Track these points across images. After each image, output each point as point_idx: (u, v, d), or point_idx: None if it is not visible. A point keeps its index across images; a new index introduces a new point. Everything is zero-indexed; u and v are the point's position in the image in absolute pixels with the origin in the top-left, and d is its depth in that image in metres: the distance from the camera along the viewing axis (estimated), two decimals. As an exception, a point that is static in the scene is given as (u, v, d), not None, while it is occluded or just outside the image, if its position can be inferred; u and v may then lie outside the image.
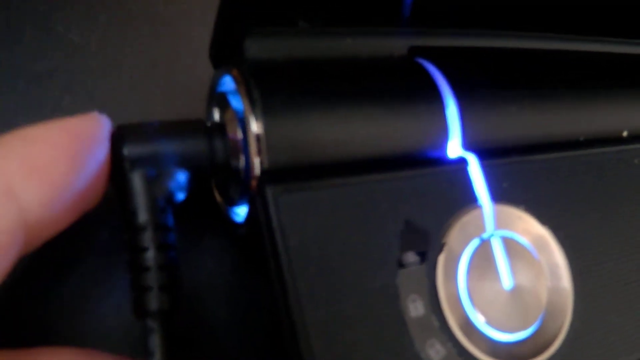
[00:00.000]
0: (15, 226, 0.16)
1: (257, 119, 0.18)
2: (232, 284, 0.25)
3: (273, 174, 0.18)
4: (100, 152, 0.18)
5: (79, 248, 0.23)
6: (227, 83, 0.21)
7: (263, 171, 0.18)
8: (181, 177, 0.19)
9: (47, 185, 0.17)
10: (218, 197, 0.22)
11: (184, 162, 0.19)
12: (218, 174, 0.20)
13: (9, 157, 0.17)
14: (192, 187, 0.20)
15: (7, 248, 0.16)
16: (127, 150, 0.19)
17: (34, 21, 0.26)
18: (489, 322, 0.19)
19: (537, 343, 0.20)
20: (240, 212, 0.21)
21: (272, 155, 0.19)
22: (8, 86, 0.25)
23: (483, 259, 0.20)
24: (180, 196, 0.19)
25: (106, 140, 0.18)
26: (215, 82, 0.21)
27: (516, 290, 0.20)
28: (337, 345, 0.17)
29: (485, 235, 0.20)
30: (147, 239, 0.19)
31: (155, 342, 0.18)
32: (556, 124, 0.23)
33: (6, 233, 0.16)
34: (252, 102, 0.19)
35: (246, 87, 0.19)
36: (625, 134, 0.25)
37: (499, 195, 0.21)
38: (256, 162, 0.18)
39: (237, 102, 0.19)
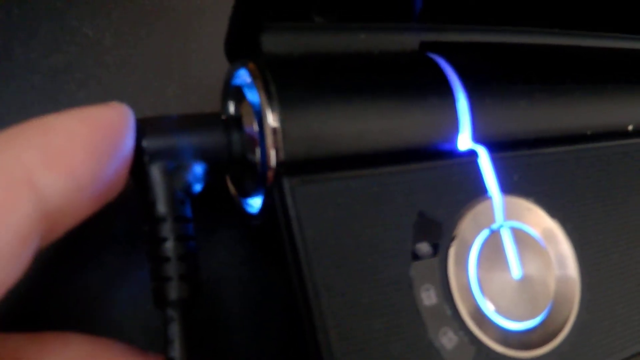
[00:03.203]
0: (36, 217, 0.16)
1: (273, 112, 0.19)
2: (244, 276, 0.25)
3: (289, 166, 0.19)
4: (123, 142, 0.18)
5: (96, 239, 0.23)
6: (243, 76, 0.21)
7: (279, 163, 0.19)
8: (199, 169, 0.20)
9: (67, 175, 0.17)
10: (232, 189, 0.23)
11: (202, 155, 0.20)
12: (233, 166, 0.21)
13: (27, 147, 0.16)
14: (209, 178, 0.20)
15: (28, 240, 0.16)
16: (146, 143, 0.19)
17: (49, 16, 0.26)
18: (499, 311, 0.20)
19: (545, 332, 0.20)
20: (254, 203, 0.22)
21: (288, 148, 0.19)
22: (23, 80, 0.26)
23: (493, 249, 0.20)
24: (198, 188, 0.20)
25: (130, 131, 0.18)
26: (230, 76, 0.22)
27: (525, 280, 0.20)
28: (354, 333, 0.18)
29: (495, 226, 0.21)
30: (167, 229, 0.19)
31: (175, 331, 0.19)
32: (564, 118, 0.24)
33: (27, 225, 0.16)
34: (268, 95, 0.19)
35: (263, 80, 0.19)
36: (630, 128, 0.25)
37: (509, 187, 0.21)
38: (273, 154, 0.19)
39: (253, 95, 0.20)
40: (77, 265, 0.23)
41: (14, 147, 0.16)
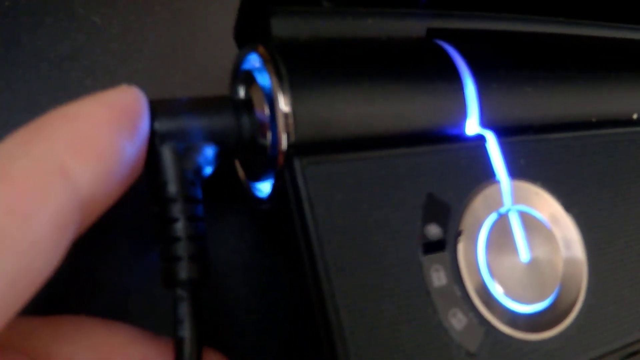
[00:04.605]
0: (72, 206, 0.16)
1: (284, 95, 0.19)
2: (252, 262, 0.25)
3: (299, 148, 0.19)
4: (142, 122, 0.18)
5: (103, 224, 0.23)
6: (253, 60, 0.21)
7: (290, 145, 0.19)
8: (209, 151, 0.20)
9: (96, 160, 0.17)
10: (241, 173, 0.23)
11: (212, 137, 0.20)
12: (243, 150, 0.21)
13: (55, 137, 0.17)
14: (219, 161, 0.20)
15: (66, 228, 0.16)
16: (157, 125, 0.19)
17: (56, 4, 0.27)
18: (508, 294, 0.20)
19: (553, 315, 0.21)
20: (264, 187, 0.22)
21: (299, 130, 0.19)
22: (31, 68, 0.26)
23: (501, 233, 0.20)
24: (208, 170, 0.20)
25: (146, 111, 0.19)
26: (240, 60, 0.22)
27: (533, 263, 0.21)
28: (364, 313, 0.18)
29: (503, 210, 0.21)
30: (177, 210, 0.19)
31: (185, 310, 0.19)
32: (570, 105, 0.24)
33: (64, 214, 0.16)
34: (279, 79, 0.19)
35: (273, 64, 0.20)
36: (635, 116, 0.25)
37: (516, 171, 0.21)
38: (284, 136, 0.19)
39: (263, 79, 0.20)
40: (84, 250, 0.23)
41: (44, 138, 0.17)
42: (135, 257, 0.24)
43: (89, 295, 0.23)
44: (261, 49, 0.20)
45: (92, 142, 0.17)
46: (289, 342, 0.26)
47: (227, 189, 0.25)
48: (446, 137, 0.21)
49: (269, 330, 0.25)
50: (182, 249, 0.19)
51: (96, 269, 0.23)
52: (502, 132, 0.22)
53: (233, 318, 0.25)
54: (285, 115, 0.19)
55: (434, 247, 0.19)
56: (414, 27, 0.23)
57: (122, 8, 0.27)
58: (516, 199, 0.21)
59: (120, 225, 0.24)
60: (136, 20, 0.27)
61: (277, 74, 0.19)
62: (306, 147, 0.19)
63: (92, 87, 0.26)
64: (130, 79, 0.26)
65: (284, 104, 0.19)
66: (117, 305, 0.23)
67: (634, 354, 0.22)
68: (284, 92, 0.19)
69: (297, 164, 0.18)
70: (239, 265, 0.25)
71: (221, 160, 0.20)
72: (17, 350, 0.19)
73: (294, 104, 0.19)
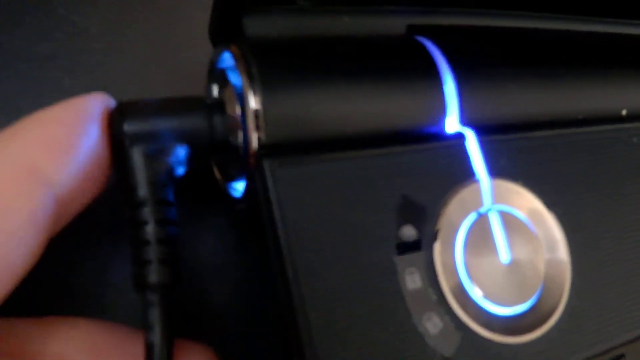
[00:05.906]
0: (46, 201, 0.17)
1: (255, 94, 0.19)
2: (233, 262, 0.25)
3: (271, 149, 0.19)
4: (100, 123, 0.19)
5: (83, 227, 0.23)
6: (227, 60, 0.21)
7: (261, 146, 0.19)
8: (181, 153, 0.19)
9: (68, 158, 0.18)
10: (217, 174, 0.22)
11: (184, 138, 0.19)
12: (217, 150, 0.20)
13: (27, 139, 0.18)
14: (192, 163, 0.20)
15: (41, 223, 0.17)
16: (127, 127, 0.19)
17: (35, 3, 0.26)
18: (487, 296, 0.19)
19: (534, 317, 0.20)
20: (239, 187, 0.21)
21: (270, 130, 0.19)
22: (9, 68, 0.25)
23: (480, 233, 0.20)
24: (180, 171, 0.20)
25: (97, 116, 0.19)
26: (214, 59, 0.21)
27: (514, 264, 0.20)
28: (335, 318, 0.18)
29: (482, 210, 0.20)
30: (147, 213, 0.19)
31: (155, 315, 0.18)
32: (554, 102, 0.23)
33: (38, 208, 0.17)
34: (250, 78, 0.19)
35: (245, 63, 0.19)
36: (624, 113, 0.25)
37: (497, 170, 0.21)
38: (254, 137, 0.19)
39: (235, 78, 0.20)
40: (64, 253, 0.23)
41: (16, 141, 0.18)
42: (113, 258, 0.23)
43: (66, 295, 0.23)
44: (234, 48, 0.20)
45: (62, 142, 0.18)
46: (273, 342, 0.25)
47: (206, 190, 0.24)
48: (424, 136, 0.21)
49: (252, 330, 0.25)
50: (151, 252, 0.19)
51: (73, 270, 0.23)
52: (483, 130, 0.21)
53: (215, 319, 0.25)
54: (256, 114, 0.19)
55: (408, 248, 0.19)
56: (393, 24, 0.22)
57: (102, 7, 0.27)
58: (496, 199, 0.21)
59: (99, 225, 0.23)
60: (116, 20, 0.27)
61: (248, 72, 0.19)
62: (278, 148, 0.19)
63: (71, 87, 0.26)
64: (110, 79, 0.26)
65: (254, 103, 0.19)
66: (95, 307, 0.23)
67: (619, 357, 0.21)
68: (254, 91, 0.19)
69: (267, 165, 0.18)
70: (220, 265, 0.25)
71: (195, 161, 0.20)
72: (6, 353, 0.19)
73: (264, 103, 0.19)
